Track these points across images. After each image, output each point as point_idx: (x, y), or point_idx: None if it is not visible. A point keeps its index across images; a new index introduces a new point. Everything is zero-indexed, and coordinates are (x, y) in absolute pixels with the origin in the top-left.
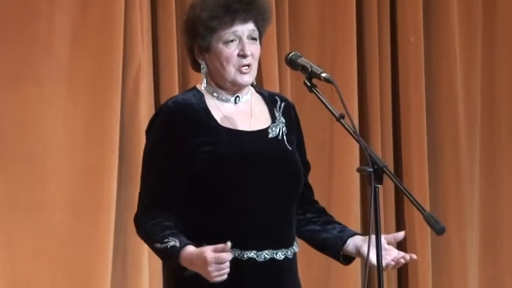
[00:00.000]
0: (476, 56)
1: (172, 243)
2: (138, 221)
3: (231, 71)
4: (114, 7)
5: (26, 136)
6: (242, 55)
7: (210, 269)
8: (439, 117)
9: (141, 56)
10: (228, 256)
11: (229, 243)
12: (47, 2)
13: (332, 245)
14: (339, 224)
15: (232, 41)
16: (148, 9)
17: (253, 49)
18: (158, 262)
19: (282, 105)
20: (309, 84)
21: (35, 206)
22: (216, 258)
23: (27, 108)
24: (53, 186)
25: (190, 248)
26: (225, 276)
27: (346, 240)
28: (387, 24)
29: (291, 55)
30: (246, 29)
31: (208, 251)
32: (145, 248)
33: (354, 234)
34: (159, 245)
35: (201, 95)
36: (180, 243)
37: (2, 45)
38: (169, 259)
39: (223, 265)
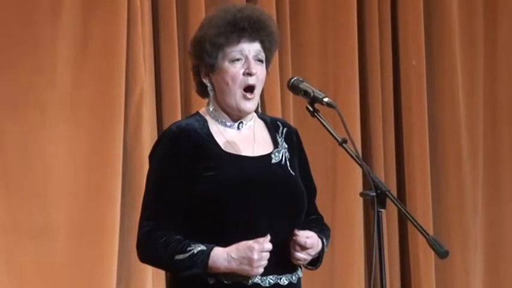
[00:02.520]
0: (478, 78)
1: (199, 249)
2: (144, 243)
3: (236, 92)
4: (116, 33)
5: (29, 162)
6: (248, 73)
7: (255, 257)
8: (441, 141)
9: (143, 81)
10: (270, 246)
11: (268, 236)
12: (49, 28)
13: None
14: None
15: (238, 59)
16: (150, 35)
17: (259, 70)
18: (162, 287)
19: (284, 130)
20: (311, 109)
21: (38, 232)
22: (261, 245)
23: (30, 134)
24: (56, 211)
25: (220, 249)
26: (262, 270)
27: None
28: (389, 47)
29: (293, 80)
30: (253, 48)
31: (251, 241)
32: (149, 273)
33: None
34: (181, 255)
35: (204, 121)
36: (207, 247)
37: (5, 72)
38: (196, 266)
39: (265, 254)
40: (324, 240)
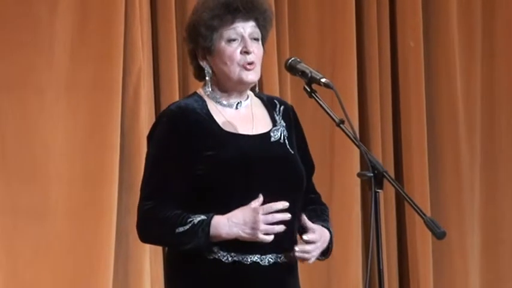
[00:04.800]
0: (475, 60)
1: (199, 219)
2: (144, 222)
3: (236, 69)
4: (114, 14)
5: (27, 144)
6: (245, 51)
7: (258, 217)
8: (439, 122)
9: (141, 62)
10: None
11: (261, 196)
12: (47, 10)
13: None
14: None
15: (234, 39)
16: (148, 16)
17: (256, 48)
18: (160, 268)
19: (281, 108)
20: (308, 89)
21: (37, 214)
22: (268, 206)
23: (29, 116)
24: (55, 193)
25: (220, 216)
26: (272, 237)
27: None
28: (387, 28)
29: (290, 61)
30: (248, 26)
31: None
32: (146, 254)
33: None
34: (181, 228)
35: (203, 100)
36: (207, 216)
37: (3, 54)
38: (198, 237)
39: (271, 217)
40: (331, 229)
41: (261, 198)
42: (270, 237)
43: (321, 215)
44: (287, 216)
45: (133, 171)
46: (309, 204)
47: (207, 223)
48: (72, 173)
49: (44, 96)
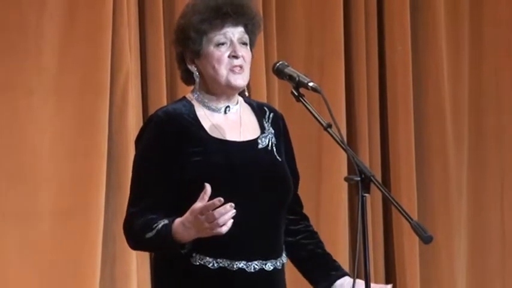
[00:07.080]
0: (463, 64)
1: (162, 223)
2: (126, 229)
3: (223, 73)
4: (102, 17)
5: (15, 146)
6: (234, 56)
7: (201, 219)
8: (426, 127)
9: (129, 65)
10: (215, 203)
11: (208, 186)
12: (35, 12)
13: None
14: (326, 258)
15: (223, 43)
16: (136, 19)
17: (245, 52)
18: (146, 272)
19: (271, 115)
20: (296, 93)
21: (24, 215)
22: (204, 206)
23: (16, 118)
24: (42, 195)
25: (178, 220)
26: (227, 228)
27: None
28: (375, 33)
29: (278, 64)
30: (237, 31)
31: (198, 203)
32: (133, 256)
33: (341, 276)
34: (150, 233)
35: (191, 105)
36: (169, 220)
37: None
38: (165, 241)
39: (214, 213)
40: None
41: (208, 188)
42: (225, 229)
43: (330, 261)
44: (228, 206)
45: (120, 174)
46: (295, 222)
47: (169, 229)
48: (59, 176)
49: (32, 98)
